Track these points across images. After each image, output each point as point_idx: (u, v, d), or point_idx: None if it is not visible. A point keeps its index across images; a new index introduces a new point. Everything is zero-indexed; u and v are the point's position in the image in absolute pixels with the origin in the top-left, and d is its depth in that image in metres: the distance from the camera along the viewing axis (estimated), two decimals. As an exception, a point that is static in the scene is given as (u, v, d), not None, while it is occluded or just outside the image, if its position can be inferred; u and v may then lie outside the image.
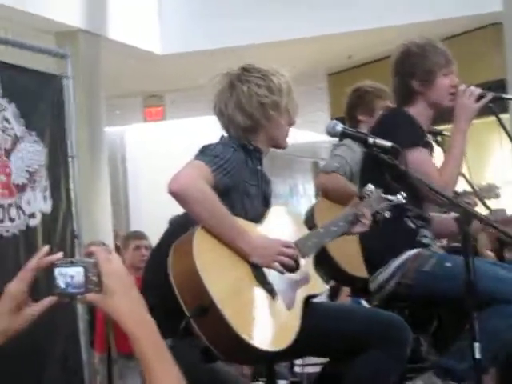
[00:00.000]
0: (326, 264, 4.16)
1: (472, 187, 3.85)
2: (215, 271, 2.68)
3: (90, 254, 1.62)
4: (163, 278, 3.57)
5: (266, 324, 2.74)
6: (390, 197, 3.17)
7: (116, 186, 15.31)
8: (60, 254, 1.65)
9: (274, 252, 2.80)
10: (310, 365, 4.76)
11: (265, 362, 2.99)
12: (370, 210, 3.12)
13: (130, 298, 1.59)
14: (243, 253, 2.76)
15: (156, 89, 13.17)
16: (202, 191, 2.71)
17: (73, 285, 1.60)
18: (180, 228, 3.43)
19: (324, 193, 4.42)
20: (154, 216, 11.64)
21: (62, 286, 1.60)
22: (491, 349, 3.20)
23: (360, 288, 4.14)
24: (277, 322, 2.77)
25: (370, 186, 3.15)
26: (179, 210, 3.84)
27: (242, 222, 2.83)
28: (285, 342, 2.72)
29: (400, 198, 3.18)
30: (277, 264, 2.79)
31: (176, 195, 2.72)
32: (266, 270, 2.80)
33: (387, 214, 3.17)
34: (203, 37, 10.83)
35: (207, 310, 2.60)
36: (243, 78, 3.00)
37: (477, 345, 2.83)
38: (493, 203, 4.25)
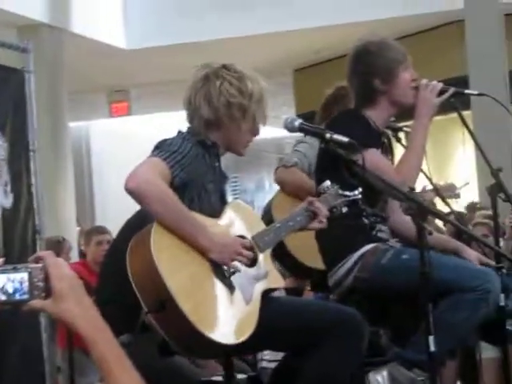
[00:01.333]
0: (283, 258, 4.19)
1: (432, 184, 3.87)
2: (174, 267, 2.68)
3: (37, 259, 1.56)
4: (121, 274, 3.57)
5: (225, 318, 2.76)
6: (347, 192, 3.18)
7: (81, 181, 15.22)
8: (1, 261, 1.61)
9: (232, 251, 2.81)
10: (277, 361, 4.76)
11: (224, 355, 3.00)
12: (326, 205, 3.14)
13: (82, 302, 1.57)
14: (202, 248, 2.77)
15: (121, 84, 13.11)
16: (158, 189, 2.71)
17: (16, 292, 1.52)
18: (137, 222, 3.43)
19: (282, 187, 4.44)
20: (119, 211, 11.60)
21: (4, 293, 1.52)
22: (449, 341, 3.24)
23: (319, 282, 4.17)
24: (235, 316, 2.79)
25: (327, 182, 3.17)
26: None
27: (200, 218, 2.83)
28: (243, 335, 2.74)
29: (357, 193, 3.20)
30: (234, 263, 2.81)
31: (132, 193, 2.72)
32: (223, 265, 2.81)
33: (344, 210, 3.18)
34: (168, 32, 10.80)
35: (165, 305, 2.60)
36: (219, 73, 3.01)
37: (431, 338, 2.86)
38: (453, 203, 4.29)
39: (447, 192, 4.34)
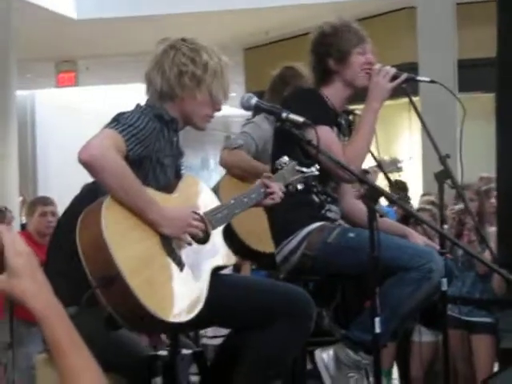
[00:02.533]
0: (230, 240, 4.20)
1: (376, 161, 3.90)
2: (123, 242, 2.66)
3: None
4: (70, 246, 3.54)
5: (173, 295, 2.74)
6: (304, 169, 3.20)
7: (24, 151, 15.03)
8: None
9: (184, 223, 2.80)
10: (218, 337, 4.80)
11: (171, 331, 3.00)
12: (282, 181, 3.15)
13: (36, 280, 1.54)
14: (153, 224, 2.75)
15: (69, 54, 12.95)
16: (113, 161, 2.68)
17: None
18: (89, 195, 3.41)
19: (227, 169, 4.43)
20: (62, 183, 11.49)
21: None
22: (392, 320, 3.29)
23: (266, 263, 4.20)
24: (184, 293, 2.78)
25: (285, 158, 3.18)
26: (89, 178, 3.81)
27: (152, 193, 2.82)
28: (190, 313, 2.73)
29: (313, 170, 3.21)
30: (186, 236, 2.80)
31: (86, 165, 2.69)
32: (174, 241, 2.80)
33: (300, 186, 3.20)
34: (120, 3, 10.70)
35: (113, 280, 2.59)
36: (175, 45, 3.00)
37: (377, 320, 2.90)
38: (395, 177, 4.34)
39: (390, 166, 4.38)
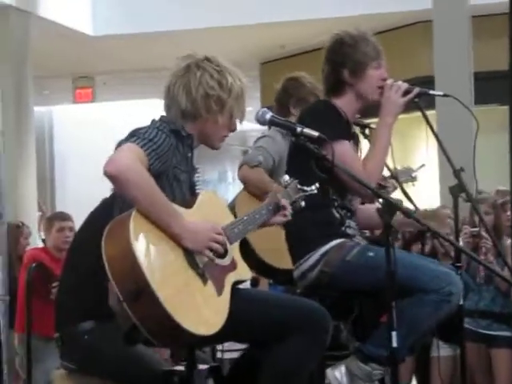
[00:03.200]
0: (247, 255, 4.20)
1: (390, 171, 3.88)
2: (151, 255, 2.68)
3: None
4: (89, 259, 3.55)
5: (199, 308, 2.75)
6: (305, 187, 3.23)
7: (42, 167, 15.10)
8: None
9: (206, 238, 2.81)
10: (232, 350, 4.79)
11: (195, 345, 3.01)
12: (288, 199, 3.17)
13: None
14: (176, 237, 2.76)
15: (86, 70, 13.02)
16: (139, 174, 2.70)
17: None
18: (104, 210, 3.42)
19: (245, 185, 4.44)
20: (79, 198, 11.54)
21: None
22: (410, 337, 3.28)
23: (282, 279, 4.20)
24: (209, 306, 2.79)
25: (286, 177, 3.21)
26: (105, 193, 3.83)
27: (176, 207, 2.84)
28: (215, 326, 2.75)
29: (313, 188, 3.25)
30: (207, 251, 2.81)
31: (112, 177, 2.71)
32: (197, 255, 2.82)
33: (303, 204, 3.22)
34: (136, 19, 10.75)
35: (141, 293, 2.59)
36: (201, 64, 3.01)
37: (394, 334, 2.90)
38: (410, 187, 4.31)
39: (404, 176, 4.35)
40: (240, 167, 4.48)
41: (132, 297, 2.60)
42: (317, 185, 3.25)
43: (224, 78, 3.00)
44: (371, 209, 3.57)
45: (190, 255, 2.80)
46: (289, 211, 3.12)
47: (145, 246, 2.67)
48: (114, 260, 2.67)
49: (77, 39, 10.87)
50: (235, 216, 3.97)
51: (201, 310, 2.76)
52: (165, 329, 2.64)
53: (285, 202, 3.12)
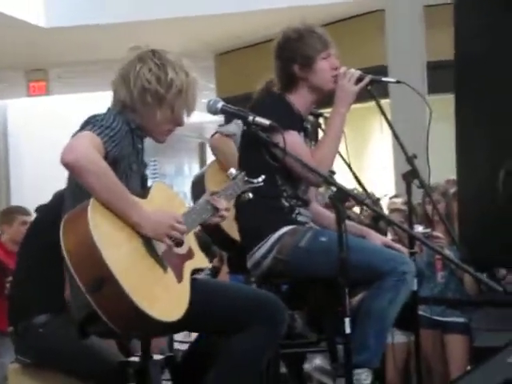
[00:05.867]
0: (214, 234, 4.21)
1: (352, 172, 3.87)
2: (111, 244, 2.67)
3: None
4: (41, 252, 3.54)
5: (162, 296, 2.76)
6: (252, 179, 3.25)
7: (-4, 161, 14.95)
8: None
9: (166, 226, 2.81)
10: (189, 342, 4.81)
11: (154, 334, 3.02)
12: (237, 190, 3.20)
13: None
14: (136, 225, 2.76)
15: (40, 63, 12.88)
16: (96, 163, 2.69)
17: None
18: (56, 202, 3.41)
19: (215, 154, 4.44)
20: (36, 191, 11.42)
21: None
22: (383, 333, 3.33)
23: (237, 263, 4.20)
24: (170, 294, 2.81)
25: (232, 170, 3.22)
26: (61, 186, 3.81)
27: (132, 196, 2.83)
28: (179, 313, 2.76)
29: (260, 180, 3.27)
30: (167, 239, 2.82)
31: (69, 166, 2.70)
32: (156, 243, 2.82)
33: (251, 196, 3.24)
34: (90, 11, 10.65)
35: (104, 283, 2.58)
36: (143, 57, 3.00)
37: (347, 320, 2.92)
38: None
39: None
40: (212, 135, 4.49)
41: (95, 287, 2.58)
42: (263, 176, 3.27)
43: (164, 73, 2.98)
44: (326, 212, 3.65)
45: (148, 243, 2.80)
46: (225, 212, 3.11)
47: (105, 235, 2.66)
48: (73, 250, 2.65)
49: (29, 31, 10.74)
50: (204, 189, 3.98)
51: (164, 297, 2.77)
52: (129, 318, 2.64)
53: (222, 202, 3.11)
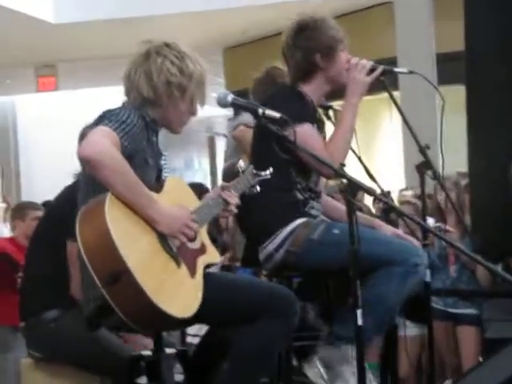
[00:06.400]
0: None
1: (362, 163, 3.86)
2: (128, 238, 2.67)
3: None
4: (52, 248, 3.55)
5: (176, 291, 2.76)
6: (260, 172, 3.26)
7: (6, 157, 14.98)
8: None
9: (181, 223, 2.82)
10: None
11: (174, 328, 3.03)
12: (247, 184, 3.21)
13: None
14: (151, 220, 2.76)
15: (49, 58, 12.90)
16: (115, 158, 2.69)
17: None
18: (67, 197, 3.40)
19: (240, 145, 4.43)
20: (45, 187, 11.44)
21: None
22: (379, 314, 3.30)
23: (250, 257, 4.18)
24: (184, 289, 2.81)
25: (241, 163, 3.22)
26: (71, 181, 3.82)
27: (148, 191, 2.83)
28: (192, 308, 2.77)
29: (268, 173, 3.28)
30: (181, 235, 2.82)
31: (87, 161, 2.70)
32: (170, 238, 2.82)
33: (258, 189, 3.25)
34: (98, 6, 10.66)
35: (120, 277, 2.58)
36: (161, 51, 3.00)
37: (359, 312, 2.91)
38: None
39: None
40: (235, 127, 4.45)
41: (110, 280, 2.58)
42: (271, 169, 3.27)
43: (185, 64, 2.99)
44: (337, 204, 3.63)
45: (163, 239, 2.80)
46: (235, 206, 3.11)
47: (122, 229, 2.66)
48: (90, 242, 2.65)
49: (38, 27, 10.76)
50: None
51: (178, 293, 2.77)
52: (144, 313, 2.64)
53: (233, 195, 3.12)
